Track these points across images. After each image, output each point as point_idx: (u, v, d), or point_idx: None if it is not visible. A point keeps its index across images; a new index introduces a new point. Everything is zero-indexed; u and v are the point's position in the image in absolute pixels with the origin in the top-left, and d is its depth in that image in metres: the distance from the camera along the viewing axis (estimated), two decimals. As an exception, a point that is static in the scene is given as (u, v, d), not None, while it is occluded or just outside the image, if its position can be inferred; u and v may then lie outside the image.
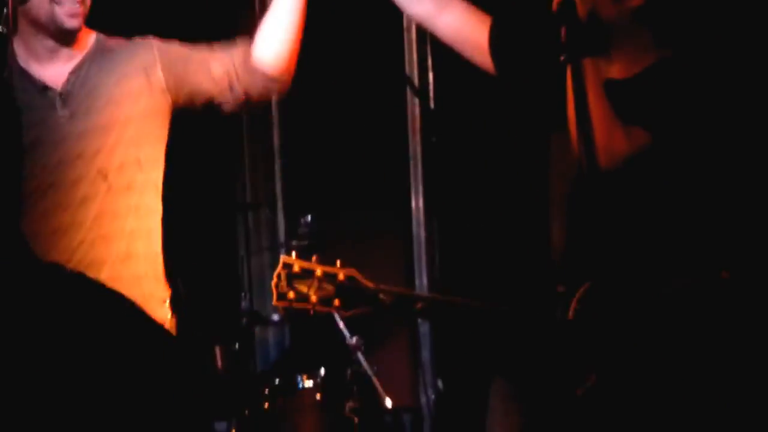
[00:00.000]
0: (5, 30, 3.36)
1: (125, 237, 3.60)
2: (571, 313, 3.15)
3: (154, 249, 3.72)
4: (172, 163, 5.74)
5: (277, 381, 4.83)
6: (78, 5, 3.46)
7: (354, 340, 4.95)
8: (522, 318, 3.25)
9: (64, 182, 3.46)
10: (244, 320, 5.29)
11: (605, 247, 3.18)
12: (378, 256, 5.72)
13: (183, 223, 5.51)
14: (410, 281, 5.64)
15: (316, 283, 3.20)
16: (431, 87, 5.57)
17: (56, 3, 3.44)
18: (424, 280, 5.62)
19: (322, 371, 4.85)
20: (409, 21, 5.63)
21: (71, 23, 3.48)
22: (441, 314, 3.43)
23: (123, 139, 3.61)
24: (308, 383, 4.81)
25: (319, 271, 3.22)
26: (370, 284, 3.23)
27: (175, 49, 3.72)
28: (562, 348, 3.19)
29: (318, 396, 4.73)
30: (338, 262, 3.22)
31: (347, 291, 3.22)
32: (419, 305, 3.32)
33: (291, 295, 3.20)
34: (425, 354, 5.61)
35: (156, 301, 3.64)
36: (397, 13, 5.56)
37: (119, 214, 3.58)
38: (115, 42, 3.67)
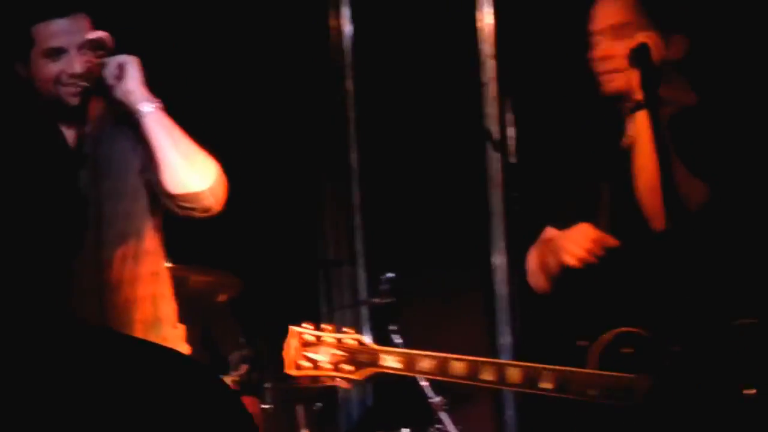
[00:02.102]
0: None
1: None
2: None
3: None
4: (253, 221, 5.78)
5: (360, 440, 4.80)
6: (82, 84, 3.47)
7: (437, 399, 4.90)
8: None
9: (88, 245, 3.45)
10: (326, 378, 5.24)
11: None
12: (460, 314, 5.68)
13: (264, 281, 5.53)
14: (492, 339, 5.58)
15: (327, 350, 3.22)
16: (512, 141, 5.53)
17: (60, 84, 3.45)
18: (508, 339, 5.55)
19: (405, 431, 4.80)
20: (488, 76, 5.60)
21: (75, 102, 3.48)
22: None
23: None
24: (391, 443, 4.76)
25: (328, 338, 3.24)
26: (378, 348, 3.26)
27: None
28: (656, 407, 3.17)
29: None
30: (345, 329, 3.26)
31: (358, 355, 3.23)
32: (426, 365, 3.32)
33: (303, 363, 3.23)
34: (509, 413, 5.53)
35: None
36: (476, 68, 5.60)
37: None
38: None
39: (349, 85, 6.30)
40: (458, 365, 3.29)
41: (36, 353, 1.53)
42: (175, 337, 3.58)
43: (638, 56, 3.29)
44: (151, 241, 3.55)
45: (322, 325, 3.31)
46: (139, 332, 3.45)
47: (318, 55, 6.27)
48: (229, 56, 5.82)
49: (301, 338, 3.26)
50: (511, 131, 5.50)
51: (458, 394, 4.93)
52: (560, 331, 3.58)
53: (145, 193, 3.54)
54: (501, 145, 5.52)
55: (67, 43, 3.44)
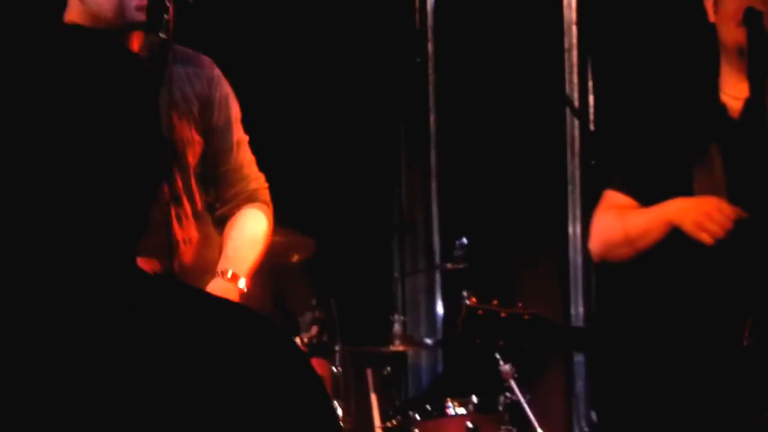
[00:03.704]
0: (167, 36, 3.13)
1: None
2: (746, 340, 3.05)
3: None
4: (329, 182, 5.79)
5: (428, 407, 4.77)
6: None
7: (507, 367, 4.86)
8: (696, 347, 3.15)
9: None
10: (397, 343, 5.23)
11: None
12: (533, 281, 5.63)
13: (338, 244, 5.52)
14: (566, 309, 5.53)
15: (501, 327, 3.15)
16: (591, 109, 5.46)
17: None
18: (580, 309, 5.50)
19: (474, 398, 4.77)
20: (570, 42, 5.54)
21: (140, 17, 3.15)
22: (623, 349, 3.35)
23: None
24: (460, 410, 4.73)
25: (503, 314, 3.17)
26: (556, 323, 3.18)
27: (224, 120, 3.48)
28: (742, 375, 3.08)
29: (469, 423, 4.65)
30: (519, 304, 3.17)
31: (534, 332, 3.15)
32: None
33: (478, 341, 3.16)
34: (579, 384, 5.48)
35: None
36: (559, 34, 5.54)
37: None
38: (177, 51, 3.32)
39: (431, 48, 6.27)
40: None
41: (106, 306, 1.53)
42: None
43: (749, 20, 3.18)
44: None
45: (494, 301, 3.23)
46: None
47: (400, 18, 6.25)
48: (310, 20, 5.81)
49: (475, 315, 3.18)
50: (591, 99, 5.45)
51: (528, 363, 4.89)
52: (639, 305, 3.52)
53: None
54: (581, 113, 5.46)
55: None
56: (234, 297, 3.24)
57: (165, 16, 3.11)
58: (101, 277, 1.51)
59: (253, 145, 3.55)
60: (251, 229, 3.45)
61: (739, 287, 3.19)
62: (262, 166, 3.58)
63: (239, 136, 3.50)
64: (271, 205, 3.53)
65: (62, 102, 1.45)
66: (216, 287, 3.26)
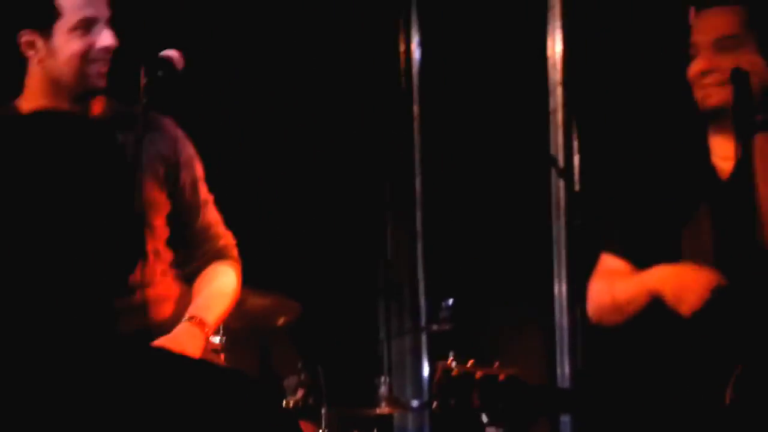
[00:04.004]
0: (146, 100, 3.12)
1: None
2: (727, 399, 3.04)
3: None
4: (314, 245, 5.78)
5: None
6: (108, 62, 3.21)
7: (493, 428, 4.83)
8: (679, 406, 3.15)
9: None
10: (383, 405, 5.20)
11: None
12: (520, 342, 5.61)
13: (324, 306, 5.51)
14: (552, 369, 5.51)
15: (477, 388, 3.12)
16: (576, 170, 5.47)
17: (90, 60, 3.19)
18: (566, 369, 5.48)
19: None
20: (556, 103, 5.56)
21: (101, 83, 3.22)
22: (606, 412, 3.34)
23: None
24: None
25: (477, 375, 3.14)
26: (533, 385, 3.15)
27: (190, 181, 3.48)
28: None
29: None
30: (496, 364, 3.15)
31: (509, 393, 3.13)
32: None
33: (452, 402, 3.14)
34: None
35: None
36: (544, 95, 5.56)
37: None
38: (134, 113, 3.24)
39: (416, 109, 6.28)
40: None
41: (88, 371, 1.51)
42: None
43: (736, 80, 3.20)
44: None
45: (470, 361, 3.21)
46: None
47: (386, 80, 6.27)
48: (297, 80, 5.83)
49: (450, 376, 3.16)
50: (576, 159, 5.47)
51: (516, 424, 4.85)
52: (630, 366, 3.51)
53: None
54: (566, 173, 5.47)
55: (98, 13, 3.20)
56: (199, 341, 3.24)
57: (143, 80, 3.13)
58: (81, 341, 1.50)
59: (240, 207, 3.56)
60: (220, 282, 3.49)
61: (723, 349, 3.19)
62: (247, 228, 3.59)
63: (205, 195, 3.53)
64: (239, 261, 3.56)
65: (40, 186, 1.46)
66: (182, 330, 3.26)
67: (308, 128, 5.87)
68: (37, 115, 1.46)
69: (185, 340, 3.19)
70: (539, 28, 5.61)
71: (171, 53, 3.17)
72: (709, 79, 3.34)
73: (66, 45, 3.17)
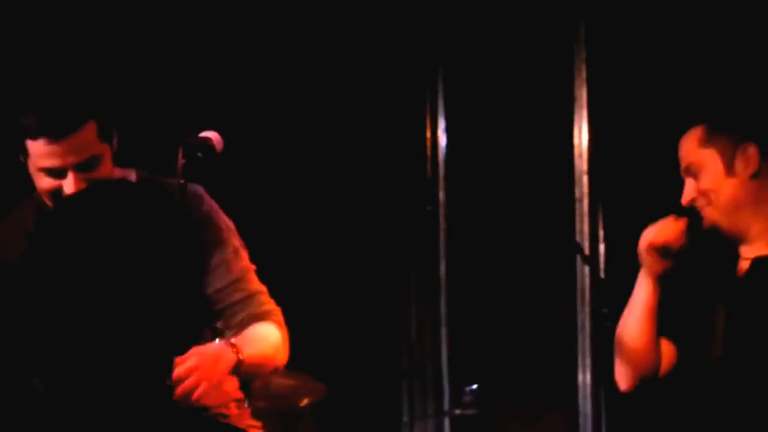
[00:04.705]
0: (184, 180, 3.10)
1: None
2: None
3: None
4: (339, 327, 5.80)
5: None
6: (82, 184, 3.18)
7: None
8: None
9: None
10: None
11: None
12: (542, 429, 5.60)
13: (347, 388, 5.51)
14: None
15: None
16: (602, 257, 5.50)
17: (54, 199, 3.21)
18: (591, 457, 5.47)
19: None
20: (581, 191, 5.60)
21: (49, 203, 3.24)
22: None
23: None
24: None
25: None
26: None
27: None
28: None
29: None
30: None
31: None
32: None
33: None
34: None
35: None
36: (570, 183, 5.60)
37: None
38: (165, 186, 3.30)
39: (442, 196, 6.32)
40: None
41: None
42: None
43: (687, 213, 3.31)
44: None
45: None
46: None
47: (412, 166, 6.31)
48: (322, 163, 5.89)
49: None
50: (602, 247, 5.49)
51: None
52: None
53: None
54: (591, 261, 5.49)
55: (64, 162, 3.19)
56: (227, 361, 3.18)
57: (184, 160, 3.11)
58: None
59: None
60: (264, 330, 3.38)
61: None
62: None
63: (243, 265, 3.46)
64: (284, 327, 3.46)
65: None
66: (216, 346, 3.21)
67: (335, 217, 5.91)
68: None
69: (216, 353, 3.13)
70: (565, 116, 5.66)
71: (211, 135, 3.17)
72: (697, 203, 3.45)
73: (36, 178, 3.25)
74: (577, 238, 5.59)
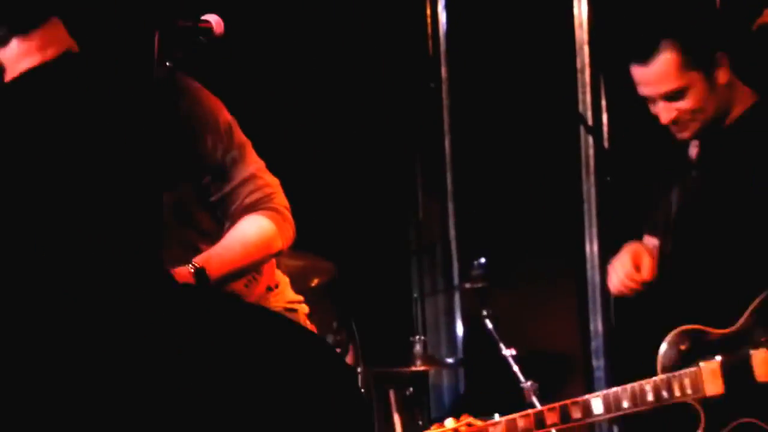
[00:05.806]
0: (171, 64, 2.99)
1: None
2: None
3: None
4: (347, 206, 5.83)
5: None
6: None
7: (528, 384, 4.90)
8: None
9: None
10: (419, 363, 5.27)
11: None
12: (552, 300, 5.66)
13: (358, 267, 5.56)
14: (584, 326, 5.55)
15: None
16: (605, 127, 5.51)
17: None
18: (599, 326, 5.52)
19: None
20: (583, 62, 5.59)
21: None
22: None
23: None
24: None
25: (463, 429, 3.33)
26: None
27: None
28: None
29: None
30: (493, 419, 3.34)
31: None
32: None
33: None
34: (600, 399, 5.49)
35: None
36: (571, 54, 5.59)
37: None
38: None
39: (444, 73, 6.31)
40: None
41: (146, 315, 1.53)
42: None
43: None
44: None
45: (463, 416, 3.41)
46: None
47: (413, 45, 6.30)
48: (324, 47, 5.87)
49: None
50: (604, 117, 5.50)
51: (550, 380, 4.92)
52: (651, 321, 3.60)
53: None
54: (595, 131, 5.50)
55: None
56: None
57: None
58: (129, 278, 1.52)
59: (274, 171, 3.53)
60: (239, 231, 3.28)
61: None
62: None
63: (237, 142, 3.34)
64: (278, 210, 3.34)
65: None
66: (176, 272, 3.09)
67: (339, 97, 5.91)
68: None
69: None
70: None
71: (209, 17, 3.06)
72: (675, 128, 3.49)
73: None
74: (580, 108, 5.59)
